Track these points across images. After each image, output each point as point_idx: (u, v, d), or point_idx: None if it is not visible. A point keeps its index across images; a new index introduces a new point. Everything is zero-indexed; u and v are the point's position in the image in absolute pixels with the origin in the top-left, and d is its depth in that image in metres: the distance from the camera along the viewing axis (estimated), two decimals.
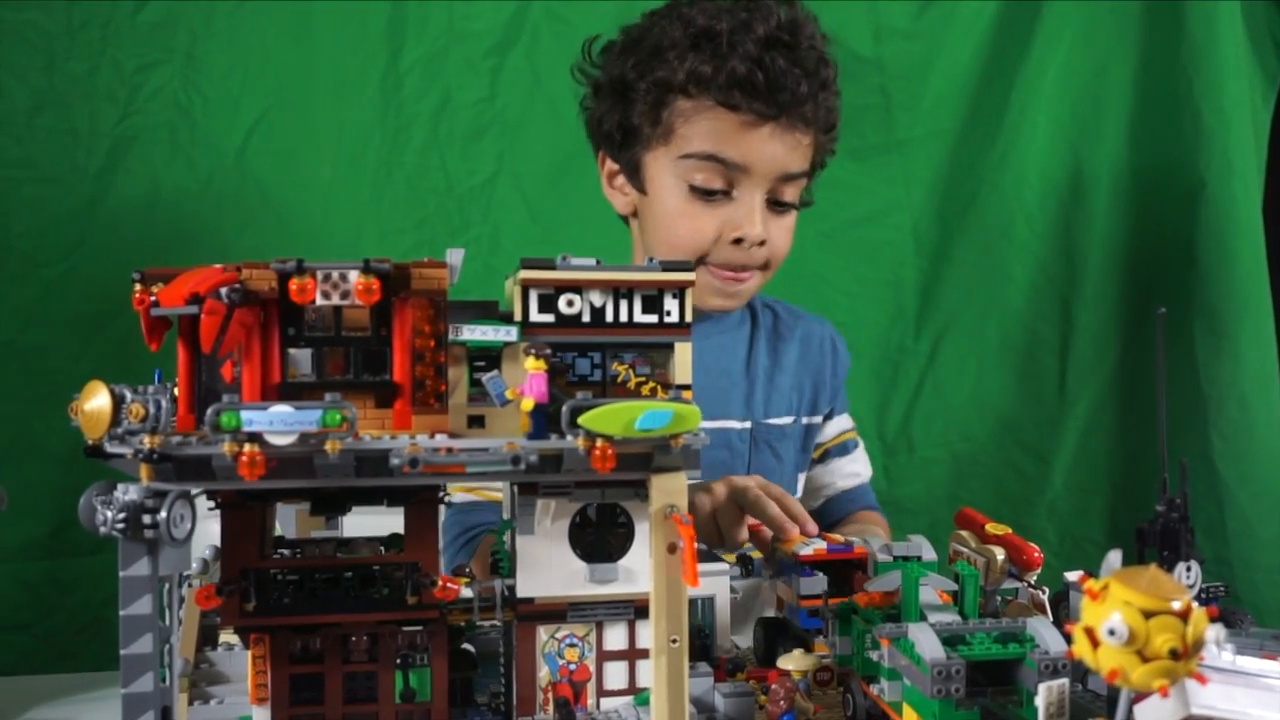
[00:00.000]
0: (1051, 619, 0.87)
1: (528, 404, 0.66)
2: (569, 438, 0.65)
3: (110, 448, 0.62)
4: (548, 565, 0.74)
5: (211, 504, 0.70)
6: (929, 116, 1.99)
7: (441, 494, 0.73)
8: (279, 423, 0.60)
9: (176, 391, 0.67)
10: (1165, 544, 0.93)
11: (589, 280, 0.72)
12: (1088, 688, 0.84)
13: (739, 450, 1.40)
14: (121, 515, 0.59)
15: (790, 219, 1.34)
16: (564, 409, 0.65)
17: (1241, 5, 1.94)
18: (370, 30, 1.78)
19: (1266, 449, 1.92)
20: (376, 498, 0.71)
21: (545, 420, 0.66)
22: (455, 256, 0.68)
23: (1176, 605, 0.46)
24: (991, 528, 0.96)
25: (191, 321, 0.65)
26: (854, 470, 1.50)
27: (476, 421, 0.70)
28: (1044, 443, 2.05)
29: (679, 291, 0.74)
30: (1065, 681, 0.70)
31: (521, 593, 0.74)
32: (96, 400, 0.62)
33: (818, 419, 1.48)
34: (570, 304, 0.72)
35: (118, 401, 0.62)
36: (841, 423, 1.51)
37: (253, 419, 0.60)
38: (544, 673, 0.75)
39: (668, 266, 0.73)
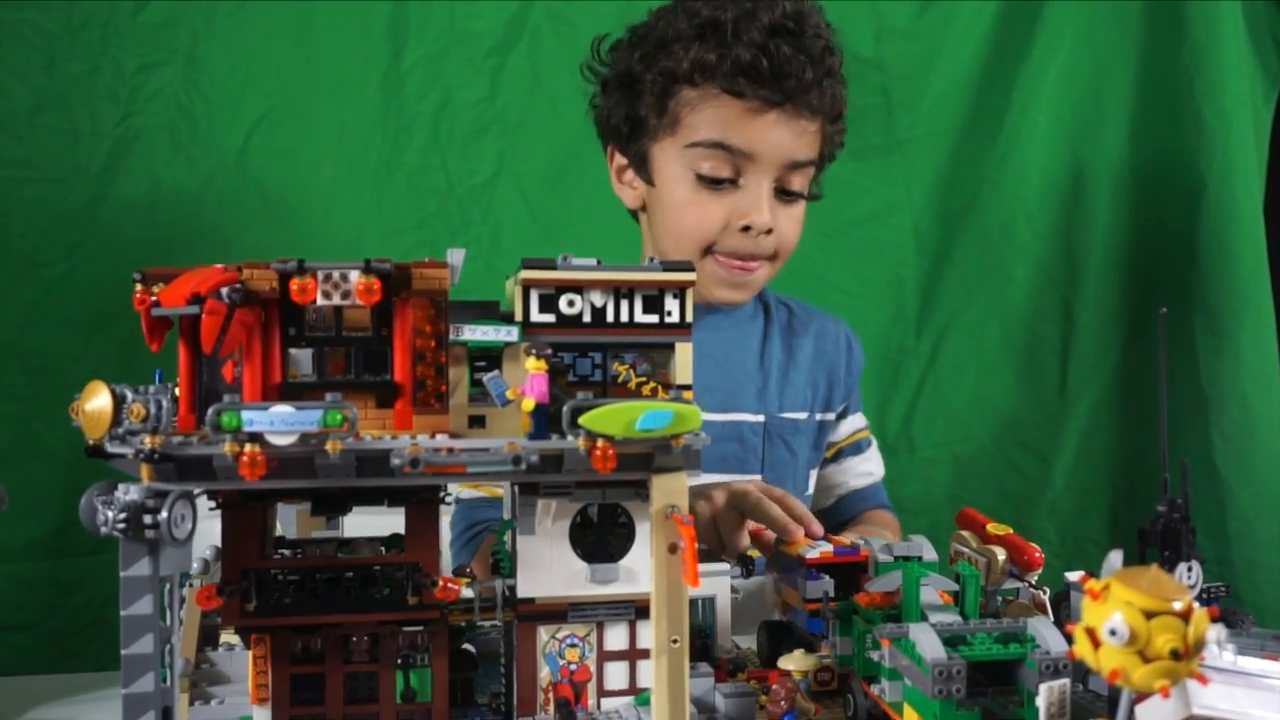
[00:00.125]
0: (1052, 619, 0.86)
1: (528, 404, 0.66)
2: (570, 438, 0.65)
3: (111, 448, 0.62)
4: (548, 565, 0.74)
5: (212, 504, 0.70)
6: (930, 116, 1.99)
7: (442, 494, 0.73)
8: (280, 423, 0.60)
9: (177, 392, 0.67)
10: (1166, 544, 0.93)
11: (590, 280, 0.72)
12: (1089, 688, 0.84)
13: (751, 444, 1.40)
14: (122, 515, 0.59)
15: (799, 209, 1.33)
16: (565, 409, 0.65)
17: (1243, 5, 1.93)
18: (371, 30, 1.78)
19: (1267, 449, 1.92)
20: (377, 498, 0.71)
21: (546, 420, 0.66)
22: (456, 256, 0.68)
23: (1178, 605, 0.46)
24: (992, 528, 0.96)
25: (192, 321, 0.65)
26: (867, 469, 1.51)
27: (477, 421, 0.71)
28: (1045, 443, 2.04)
29: (680, 291, 0.74)
30: (1066, 682, 0.70)
31: (522, 593, 0.74)
32: (97, 400, 0.62)
33: (831, 416, 1.48)
34: (571, 304, 0.72)
35: (119, 402, 0.62)
36: (855, 421, 1.52)
37: (254, 419, 0.60)
38: (545, 673, 0.75)
39: (668, 266, 0.73)
